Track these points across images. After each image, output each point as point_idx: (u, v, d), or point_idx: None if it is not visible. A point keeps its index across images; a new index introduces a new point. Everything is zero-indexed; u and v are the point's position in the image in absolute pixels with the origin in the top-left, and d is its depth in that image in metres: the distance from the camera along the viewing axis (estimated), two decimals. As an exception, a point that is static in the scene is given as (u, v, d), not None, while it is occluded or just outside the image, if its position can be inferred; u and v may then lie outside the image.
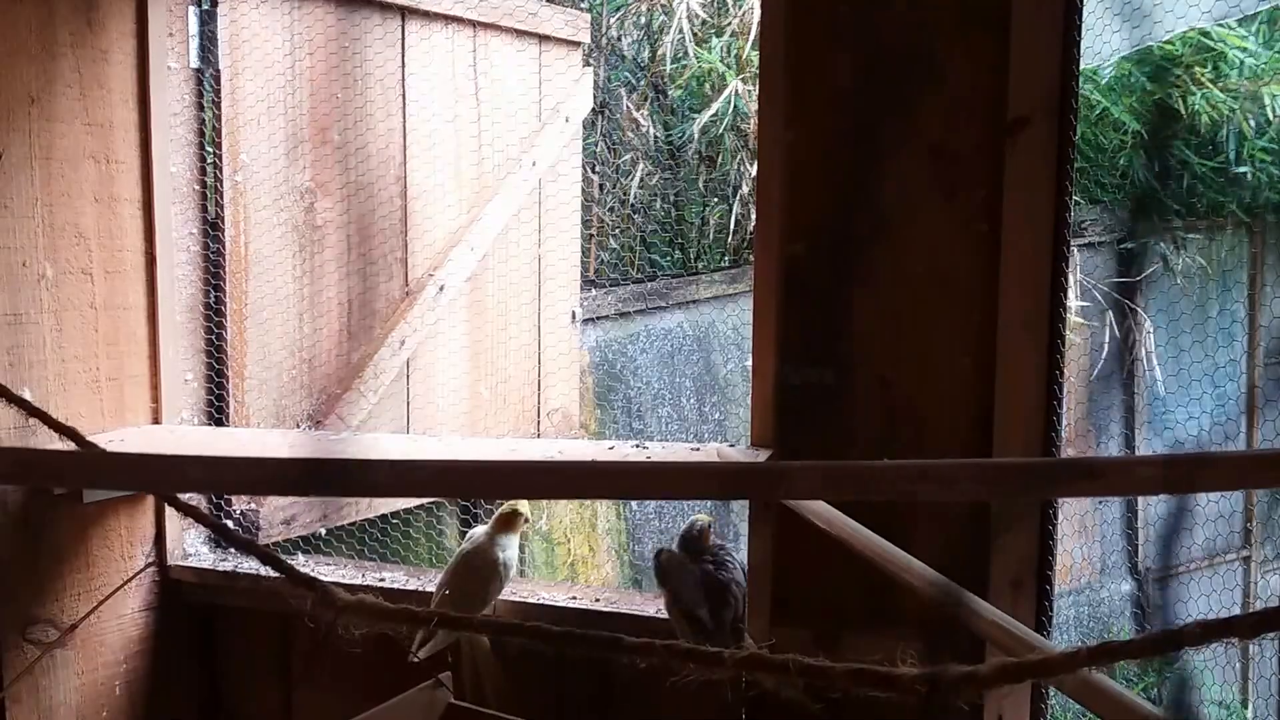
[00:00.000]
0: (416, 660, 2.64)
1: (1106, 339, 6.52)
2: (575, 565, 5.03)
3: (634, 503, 5.32)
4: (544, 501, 4.83)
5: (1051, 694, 2.61)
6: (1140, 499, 6.78)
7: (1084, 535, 6.70)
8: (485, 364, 4.14)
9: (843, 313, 2.56)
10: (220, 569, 3.22)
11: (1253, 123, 6.53)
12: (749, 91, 5.82)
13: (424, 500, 4.00)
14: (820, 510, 2.24)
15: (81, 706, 3.06)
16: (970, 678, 0.82)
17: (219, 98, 3.27)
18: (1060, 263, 2.41)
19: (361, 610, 1.14)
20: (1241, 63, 6.51)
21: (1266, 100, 6.43)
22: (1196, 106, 6.42)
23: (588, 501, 5.12)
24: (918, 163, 2.47)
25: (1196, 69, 6.49)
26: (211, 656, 3.38)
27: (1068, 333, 2.53)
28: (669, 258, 6.18)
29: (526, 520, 2.86)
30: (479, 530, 2.89)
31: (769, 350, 2.61)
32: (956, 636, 2.23)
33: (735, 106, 5.88)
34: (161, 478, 1.01)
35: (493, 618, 1.68)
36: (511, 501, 2.84)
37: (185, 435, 3.16)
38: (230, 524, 3.34)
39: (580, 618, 2.83)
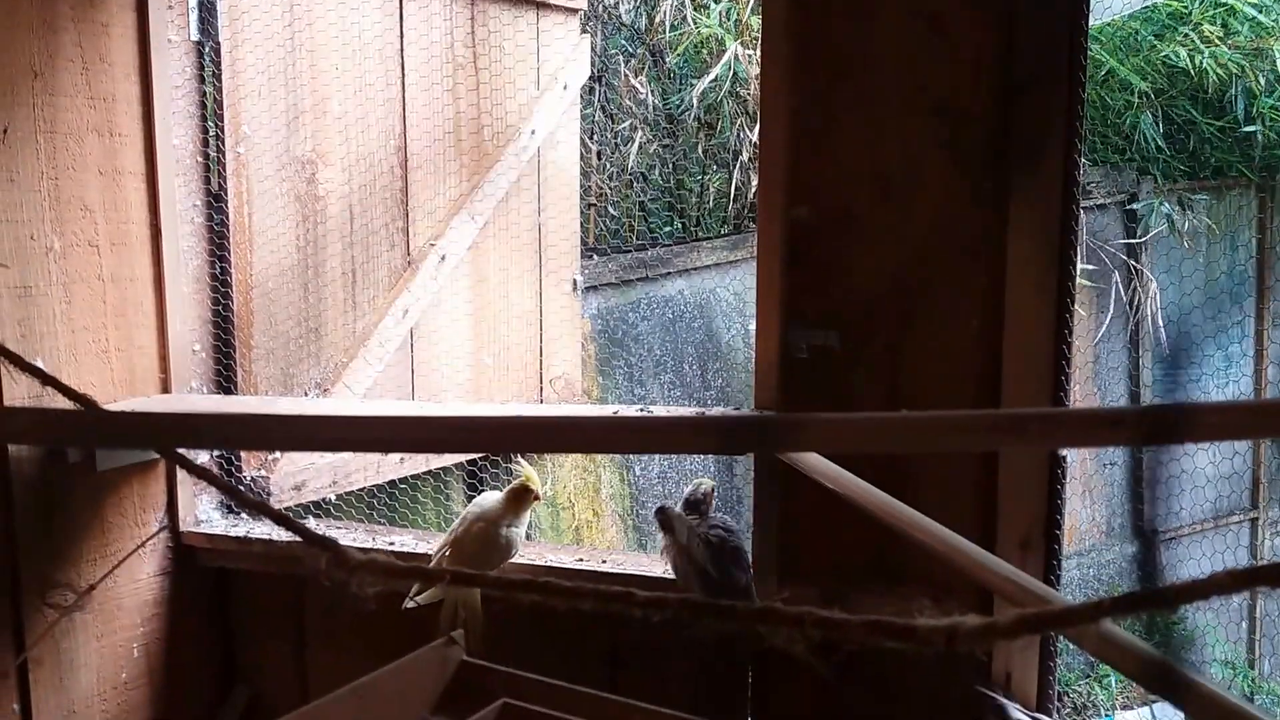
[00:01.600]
0: (415, 604, 2.66)
1: (1112, 301, 6.51)
2: (580, 530, 5.05)
3: (637, 468, 5.33)
4: (549, 467, 4.85)
5: (1060, 651, 2.62)
6: (1145, 461, 6.80)
7: (1089, 497, 6.72)
8: (488, 332, 4.15)
9: (847, 276, 2.56)
10: (233, 534, 3.26)
11: (1262, 80, 6.48)
12: (749, 56, 5.80)
13: (433, 465, 4.03)
14: (826, 469, 2.24)
15: (101, 668, 3.11)
16: (990, 629, 0.83)
17: (219, 70, 3.27)
18: (1069, 223, 2.40)
19: (375, 569, 1.14)
20: (1251, 18, 6.46)
21: (1276, 57, 6.37)
22: (1204, 65, 6.38)
23: (592, 467, 5.13)
24: (923, 123, 2.46)
25: (1204, 26, 6.44)
26: (226, 619, 3.43)
27: (1077, 286, 2.53)
28: (669, 225, 6.17)
29: (537, 497, 2.88)
30: (488, 500, 2.90)
31: (772, 314, 2.61)
32: (965, 593, 2.25)
33: (735, 72, 5.85)
34: (173, 435, 1.02)
35: (504, 575, 1.68)
36: (526, 476, 2.85)
37: (196, 404, 3.18)
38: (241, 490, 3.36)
39: (588, 578, 2.85)
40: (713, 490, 2.78)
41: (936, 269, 2.49)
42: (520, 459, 3.60)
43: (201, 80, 3.26)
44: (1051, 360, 2.43)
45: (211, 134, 3.28)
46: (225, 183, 3.29)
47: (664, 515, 2.66)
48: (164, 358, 3.17)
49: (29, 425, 1.05)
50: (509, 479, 4.17)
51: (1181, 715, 5.97)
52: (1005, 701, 2.45)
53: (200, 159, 3.27)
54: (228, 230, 3.30)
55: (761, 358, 2.64)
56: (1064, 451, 2.47)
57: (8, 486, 2.88)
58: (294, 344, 3.52)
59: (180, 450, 1.59)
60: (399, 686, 2.37)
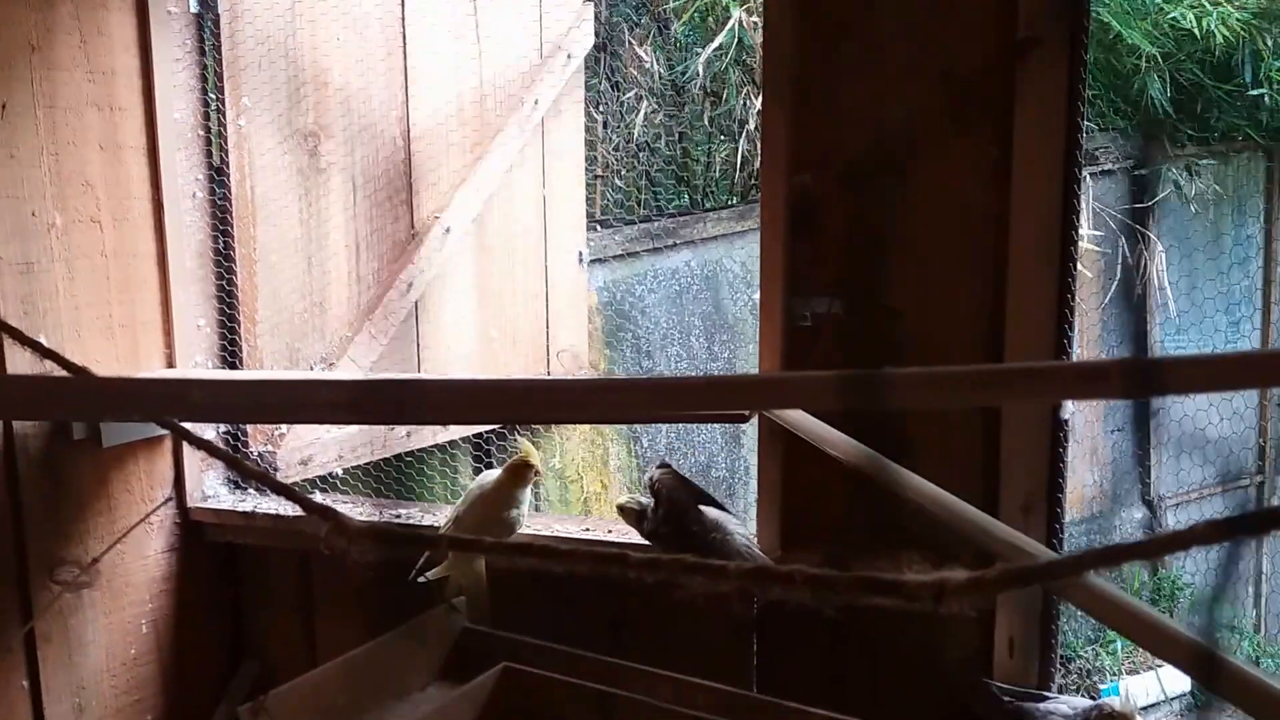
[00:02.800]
0: (425, 580, 2.67)
1: (1119, 266, 6.49)
2: (588, 502, 5.07)
3: (645, 439, 5.34)
4: (557, 440, 4.86)
5: (1063, 618, 2.63)
6: (1152, 427, 6.79)
7: (1095, 464, 6.72)
8: (493, 305, 4.14)
9: (851, 242, 2.55)
10: (240, 509, 3.27)
11: (1269, 42, 6.43)
12: (754, 24, 5.76)
13: (440, 439, 4.03)
14: (828, 435, 2.25)
15: (110, 645, 3.13)
16: (977, 583, 0.83)
17: (219, 42, 3.26)
18: (1072, 185, 2.39)
19: (375, 535, 1.15)
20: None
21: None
22: (1212, 27, 6.32)
23: (600, 440, 5.14)
24: (927, 88, 2.45)
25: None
26: (235, 593, 3.45)
27: (1080, 258, 2.52)
28: (676, 197, 6.15)
29: (537, 472, 2.87)
30: (489, 477, 2.91)
31: (777, 282, 2.60)
32: (967, 558, 2.25)
33: (740, 39, 5.82)
34: (164, 403, 1.02)
35: (500, 541, 1.68)
36: (524, 452, 2.85)
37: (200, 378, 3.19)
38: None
39: (592, 547, 2.86)
40: (661, 477, 2.74)
41: (940, 234, 2.49)
42: (519, 434, 3.61)
43: (201, 53, 3.25)
44: (1054, 325, 2.42)
45: (212, 107, 3.27)
46: (227, 156, 3.28)
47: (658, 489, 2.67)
48: (168, 333, 3.18)
49: (24, 395, 1.05)
50: (516, 452, 4.19)
51: (1187, 679, 6.00)
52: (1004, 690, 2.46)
53: (201, 132, 3.26)
54: (230, 204, 3.30)
55: (766, 326, 2.64)
56: (1066, 415, 2.47)
57: (13, 464, 2.89)
58: (298, 318, 3.52)
59: (186, 425, 1.60)
60: (402, 653, 2.39)
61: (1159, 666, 5.94)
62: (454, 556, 2.67)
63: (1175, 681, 6.00)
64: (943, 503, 1.78)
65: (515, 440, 4.23)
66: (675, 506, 2.61)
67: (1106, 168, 6.59)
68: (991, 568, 0.84)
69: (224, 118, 3.27)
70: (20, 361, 2.76)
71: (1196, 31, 6.35)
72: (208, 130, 3.27)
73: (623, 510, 2.74)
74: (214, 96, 3.27)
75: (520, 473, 2.83)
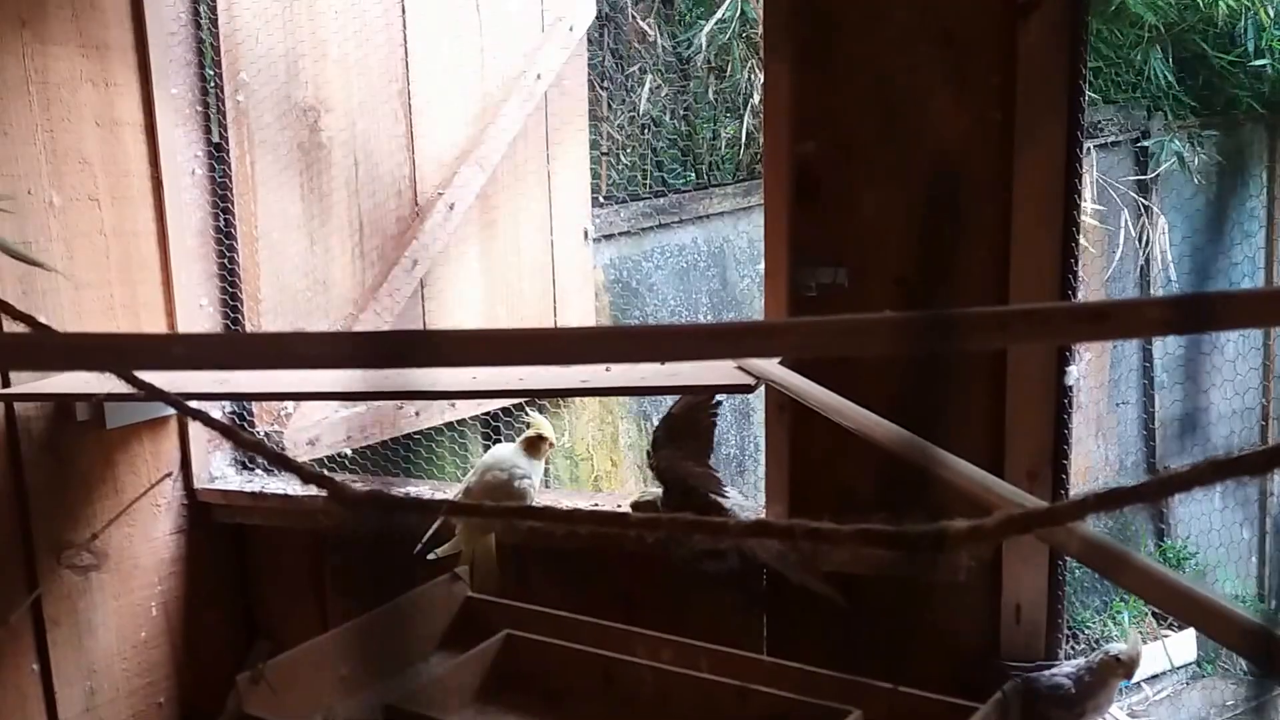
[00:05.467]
0: (435, 557, 2.67)
1: (1121, 239, 6.46)
2: (598, 480, 5.06)
3: (655, 416, 5.32)
4: (566, 418, 4.85)
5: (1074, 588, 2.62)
6: (1158, 400, 6.77)
7: (1102, 436, 6.70)
8: (499, 282, 4.12)
9: (854, 211, 2.54)
10: (247, 490, 3.26)
11: (1271, 12, 6.38)
12: (755, -5, 5.73)
13: (449, 418, 4.02)
14: (834, 403, 2.23)
15: (120, 627, 3.13)
16: (976, 531, 0.82)
17: (215, 15, 3.22)
18: (1075, 149, 2.38)
19: (374, 501, 1.14)
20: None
21: (1286, -13, 6.28)
22: (1215, -5, 6.28)
23: (609, 418, 5.13)
24: (929, 51, 2.43)
25: (1214, -45, 6.34)
26: (244, 574, 3.44)
27: (1083, 223, 2.51)
28: (681, 174, 6.12)
29: (551, 444, 2.88)
30: (504, 451, 2.90)
31: (781, 252, 2.59)
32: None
33: (743, 12, 5.79)
34: (147, 356, 1.01)
35: (501, 505, 1.68)
36: (536, 425, 2.85)
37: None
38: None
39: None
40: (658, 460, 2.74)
41: (942, 202, 2.47)
42: (530, 410, 3.59)
43: (198, 26, 3.22)
44: (1058, 292, 2.41)
45: (210, 82, 3.24)
46: (226, 132, 3.25)
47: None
48: (170, 314, 3.16)
49: (14, 348, 1.04)
50: (524, 427, 4.18)
51: (1193, 649, 6.00)
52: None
53: (200, 108, 3.23)
54: (230, 181, 3.27)
55: (770, 297, 2.63)
56: (1070, 381, 2.45)
57: (16, 446, 2.89)
58: (301, 296, 3.50)
59: (194, 405, 1.60)
60: (405, 621, 2.39)
61: (1165, 636, 5.93)
62: (463, 531, 2.67)
63: (1181, 651, 5.99)
64: (948, 465, 1.77)
65: (526, 415, 4.22)
66: (681, 484, 2.60)
67: (1108, 140, 6.55)
68: (991, 515, 0.83)
69: (222, 93, 3.24)
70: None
71: (1199, 1, 6.31)
72: (206, 106, 3.24)
73: (637, 507, 2.73)
74: (211, 71, 3.24)
75: (535, 445, 2.84)
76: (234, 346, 1.03)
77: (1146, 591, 1.17)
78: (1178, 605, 1.21)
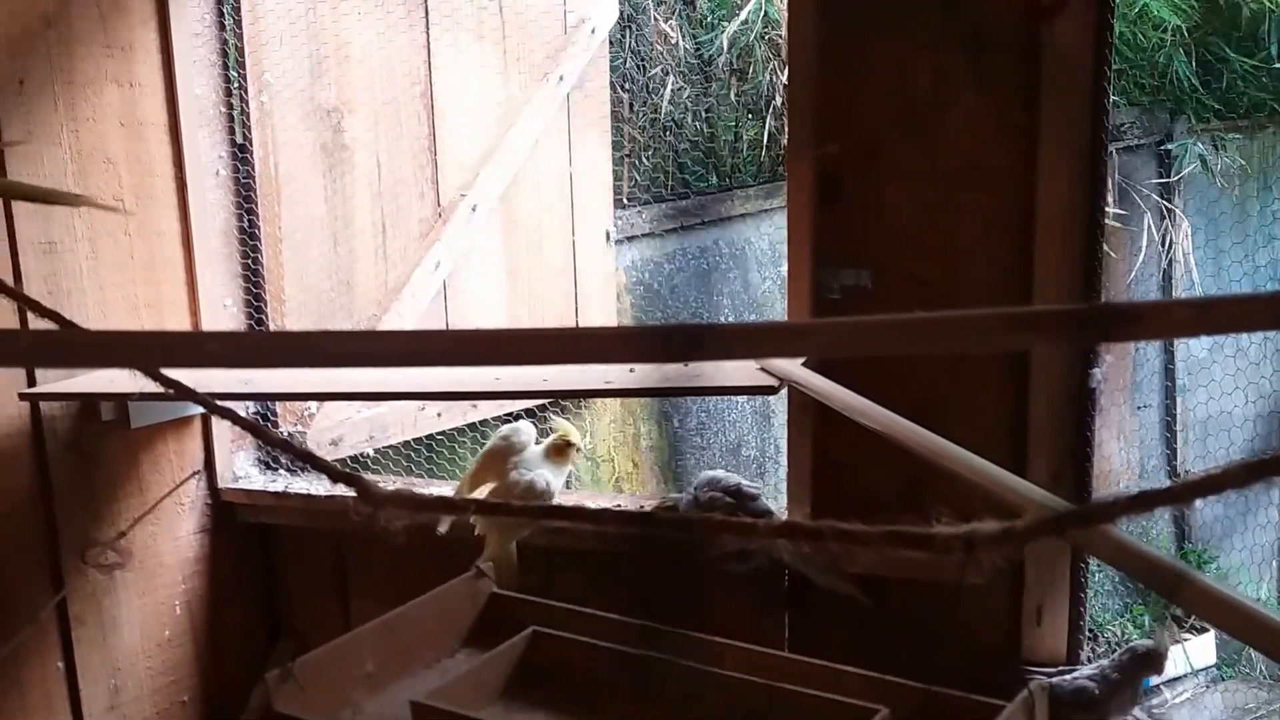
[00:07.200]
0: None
1: (1144, 242, 6.43)
2: (620, 481, 5.06)
3: (675, 419, 5.33)
4: (587, 419, 4.86)
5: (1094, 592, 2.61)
6: (1180, 403, 6.74)
7: (1123, 439, 6.67)
8: (522, 284, 4.12)
9: (878, 212, 2.53)
10: (271, 489, 3.27)
11: (1297, 15, 6.35)
12: (778, -4, 5.72)
13: (470, 419, 4.03)
14: (856, 404, 2.23)
15: (145, 626, 3.15)
16: (1007, 534, 0.82)
17: (239, 16, 3.23)
18: (1099, 152, 2.37)
19: (401, 501, 1.14)
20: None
21: (1311, -11, 6.24)
22: (1239, -2, 6.25)
23: (630, 420, 5.13)
24: (952, 53, 2.42)
25: (1237, -43, 6.30)
26: (268, 573, 3.46)
27: (1106, 224, 2.50)
28: (703, 175, 6.12)
29: (579, 450, 2.83)
30: (529, 454, 2.81)
31: (804, 254, 2.59)
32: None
33: (766, 13, 5.78)
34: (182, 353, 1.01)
35: (531, 504, 1.70)
36: (563, 432, 2.81)
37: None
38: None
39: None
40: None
41: (967, 203, 2.47)
42: (553, 414, 3.58)
43: (222, 27, 3.23)
44: (1082, 295, 2.40)
45: (234, 83, 3.25)
46: (250, 133, 3.26)
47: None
48: (194, 313, 3.17)
49: (25, 348, 1.05)
50: (547, 427, 4.18)
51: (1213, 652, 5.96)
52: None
53: (223, 109, 3.24)
54: (254, 182, 3.28)
55: (793, 300, 2.62)
56: (1094, 384, 2.45)
57: (42, 446, 2.90)
58: (325, 297, 3.51)
59: (222, 403, 1.60)
60: (429, 619, 2.39)
61: (1184, 640, 5.90)
62: (489, 531, 2.65)
63: (1201, 654, 5.97)
64: (971, 465, 1.77)
65: (548, 418, 4.22)
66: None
67: (1131, 143, 6.52)
68: (1022, 518, 0.82)
69: (246, 94, 3.24)
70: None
71: (1223, 2, 6.28)
72: (229, 107, 3.25)
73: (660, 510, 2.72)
74: (235, 73, 3.25)
75: (562, 451, 2.78)
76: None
77: (1183, 598, 1.16)
78: (1221, 615, 1.20)
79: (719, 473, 2.65)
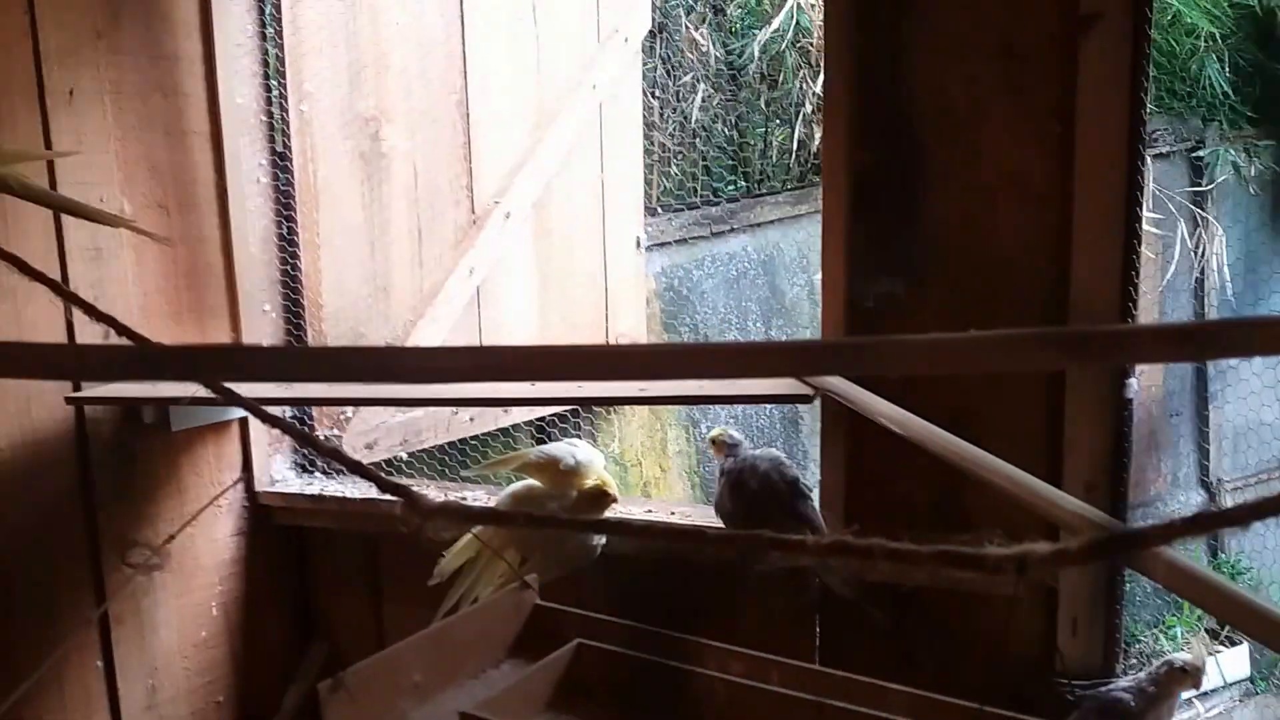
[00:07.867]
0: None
1: (1177, 249, 6.40)
2: (648, 486, 5.08)
3: (704, 425, 5.34)
4: (616, 424, 4.87)
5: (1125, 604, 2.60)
6: (1211, 410, 6.71)
7: (1155, 448, 6.64)
8: (554, 290, 4.15)
9: (913, 220, 2.53)
10: (307, 493, 3.30)
11: (1331, 22, 6.32)
12: (811, 5, 5.73)
13: (501, 423, 4.05)
14: (892, 413, 2.24)
15: (181, 626, 3.18)
16: (1061, 555, 0.82)
17: (280, 27, 3.27)
18: (1136, 161, 2.36)
19: (448, 513, 1.16)
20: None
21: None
22: (1274, 3, 6.21)
23: (658, 425, 5.15)
24: (988, 63, 2.43)
25: (1272, -36, 6.27)
26: (303, 576, 3.49)
27: (1143, 233, 2.49)
28: (732, 181, 6.13)
29: (615, 501, 2.64)
30: (559, 457, 2.67)
31: (839, 262, 2.59)
32: (1032, 535, 2.24)
33: (797, 21, 5.79)
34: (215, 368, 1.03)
35: (577, 518, 1.70)
36: (603, 483, 2.66)
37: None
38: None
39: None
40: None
41: (1003, 212, 2.47)
42: (582, 417, 3.57)
43: (263, 38, 3.27)
44: (1118, 305, 2.39)
45: (274, 92, 3.29)
46: (289, 141, 3.29)
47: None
48: (235, 317, 3.20)
49: (96, 362, 1.07)
50: (575, 434, 4.19)
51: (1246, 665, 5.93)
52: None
53: (264, 118, 3.28)
54: (293, 190, 3.32)
55: (828, 309, 2.62)
56: (1129, 395, 2.44)
57: (85, 448, 2.94)
58: (362, 303, 3.54)
59: (265, 408, 1.63)
60: (475, 630, 2.40)
61: (1217, 653, 5.87)
62: (474, 543, 2.58)
63: (1234, 667, 5.93)
64: (1008, 475, 1.77)
65: (577, 424, 4.25)
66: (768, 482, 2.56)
67: (1164, 150, 6.49)
68: (1076, 539, 0.83)
69: (286, 103, 3.28)
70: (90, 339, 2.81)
71: (1258, 9, 6.25)
72: (270, 116, 3.29)
73: (715, 442, 2.67)
74: (276, 82, 3.28)
75: (599, 501, 2.61)
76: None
77: (1232, 617, 1.16)
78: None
79: (783, 456, 2.61)
